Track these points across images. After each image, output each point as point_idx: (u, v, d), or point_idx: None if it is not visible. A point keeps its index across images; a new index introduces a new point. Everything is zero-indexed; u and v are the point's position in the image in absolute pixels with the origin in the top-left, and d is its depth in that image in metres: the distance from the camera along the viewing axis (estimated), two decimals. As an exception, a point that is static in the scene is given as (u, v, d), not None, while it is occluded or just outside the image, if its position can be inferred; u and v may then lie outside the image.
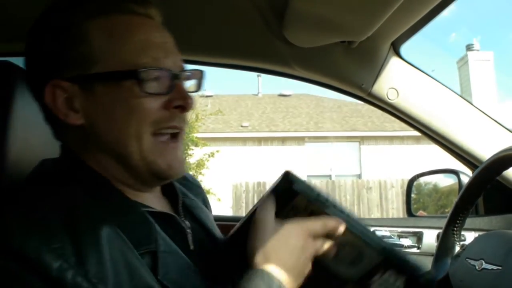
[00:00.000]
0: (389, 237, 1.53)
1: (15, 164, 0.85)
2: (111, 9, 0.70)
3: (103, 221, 0.62)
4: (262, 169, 11.67)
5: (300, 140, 13.04)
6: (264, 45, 1.34)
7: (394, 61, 1.39)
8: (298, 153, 12.81)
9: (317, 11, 1.14)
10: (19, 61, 0.93)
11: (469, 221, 1.14)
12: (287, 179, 0.75)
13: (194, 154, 10.13)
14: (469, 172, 1.50)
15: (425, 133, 1.44)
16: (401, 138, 12.61)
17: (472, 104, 1.41)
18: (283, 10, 1.21)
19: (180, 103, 0.71)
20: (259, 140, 13.04)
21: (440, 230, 1.09)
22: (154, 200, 0.76)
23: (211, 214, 0.94)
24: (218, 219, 0.99)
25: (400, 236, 1.52)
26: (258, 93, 16.51)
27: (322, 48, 1.35)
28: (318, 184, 11.25)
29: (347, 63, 1.40)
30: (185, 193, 0.86)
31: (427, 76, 1.40)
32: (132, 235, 0.64)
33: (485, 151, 1.36)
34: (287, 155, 12.40)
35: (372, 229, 1.54)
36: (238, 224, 0.81)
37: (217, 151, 10.29)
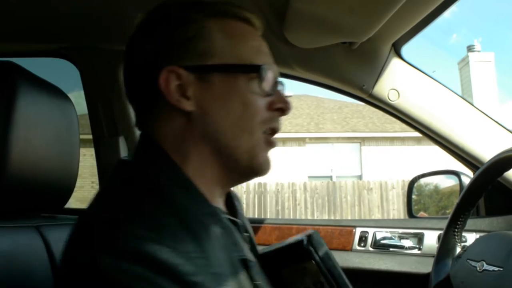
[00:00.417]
0: (390, 238, 1.53)
1: (17, 164, 0.85)
2: (229, 14, 0.74)
3: (209, 225, 0.65)
4: (262, 170, 11.64)
5: (301, 141, 13.04)
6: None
7: (395, 62, 1.39)
8: (298, 154, 12.81)
9: (318, 11, 1.14)
10: (20, 61, 0.93)
11: (470, 222, 1.15)
12: (311, 241, 0.78)
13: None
14: (470, 173, 1.50)
15: (426, 134, 1.44)
16: (402, 139, 12.60)
17: (473, 105, 1.41)
18: (284, 11, 1.21)
19: (281, 105, 0.74)
20: (260, 141, 12.99)
21: (441, 231, 1.09)
22: (221, 206, 0.77)
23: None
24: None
25: (400, 237, 1.52)
26: (259, 94, 16.46)
27: (323, 49, 1.35)
28: (318, 185, 11.26)
29: (348, 64, 1.40)
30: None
31: (428, 77, 1.40)
32: (227, 241, 0.66)
33: (486, 152, 1.36)
34: (288, 156, 12.39)
35: (372, 230, 1.54)
36: (268, 248, 0.84)
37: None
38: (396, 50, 1.39)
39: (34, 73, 0.95)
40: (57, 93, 1.00)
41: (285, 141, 12.84)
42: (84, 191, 9.35)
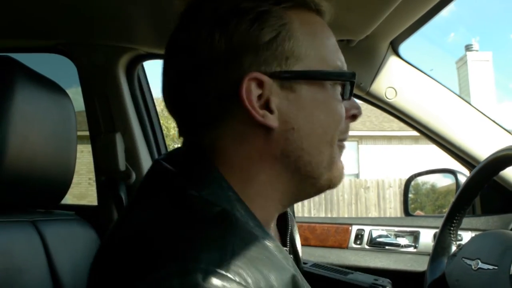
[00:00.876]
0: (386, 236, 1.53)
1: (14, 159, 0.85)
2: (307, 4, 0.62)
3: (265, 247, 0.54)
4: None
5: (299, 139, 13.05)
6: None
7: (392, 60, 1.40)
8: (296, 152, 12.81)
9: (316, 9, 1.14)
10: (19, 56, 0.93)
11: (466, 221, 1.15)
12: None
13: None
14: (467, 172, 1.50)
15: (423, 132, 1.45)
16: (399, 138, 12.62)
17: (470, 104, 1.42)
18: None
19: (355, 112, 0.65)
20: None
21: (437, 230, 1.10)
22: (272, 232, 0.67)
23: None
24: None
25: (397, 235, 1.52)
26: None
27: (321, 47, 1.35)
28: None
29: (345, 61, 1.40)
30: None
31: (426, 76, 1.41)
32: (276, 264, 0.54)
33: (483, 151, 1.36)
34: (286, 154, 12.39)
35: (368, 228, 1.54)
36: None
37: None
38: (394, 48, 1.39)
39: (32, 69, 0.94)
40: (56, 89, 1.00)
41: (282, 139, 12.82)
42: (81, 187, 9.33)
